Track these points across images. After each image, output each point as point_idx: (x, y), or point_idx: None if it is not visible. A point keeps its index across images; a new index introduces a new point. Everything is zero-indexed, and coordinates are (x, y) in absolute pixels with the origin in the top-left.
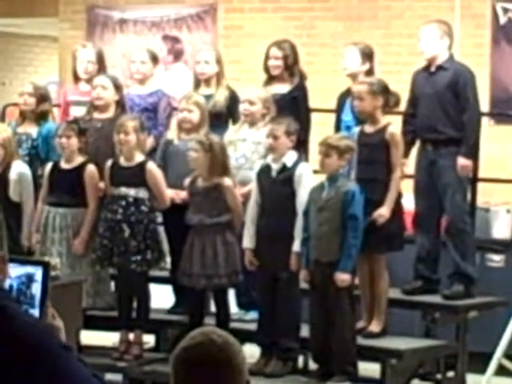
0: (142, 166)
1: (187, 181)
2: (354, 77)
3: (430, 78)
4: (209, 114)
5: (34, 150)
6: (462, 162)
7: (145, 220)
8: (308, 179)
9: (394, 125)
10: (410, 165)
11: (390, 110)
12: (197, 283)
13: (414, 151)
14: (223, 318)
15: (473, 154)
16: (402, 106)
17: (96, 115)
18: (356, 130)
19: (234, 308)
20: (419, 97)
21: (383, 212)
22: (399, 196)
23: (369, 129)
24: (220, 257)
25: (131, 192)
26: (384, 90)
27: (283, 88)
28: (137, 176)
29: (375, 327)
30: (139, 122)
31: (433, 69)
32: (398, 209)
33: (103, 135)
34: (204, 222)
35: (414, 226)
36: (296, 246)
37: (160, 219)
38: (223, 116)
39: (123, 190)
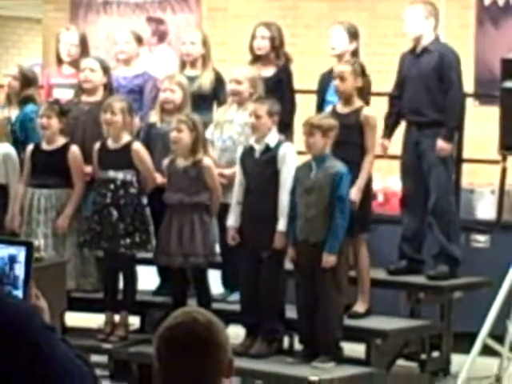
0: (128, 147)
1: (166, 161)
2: (340, 57)
3: (416, 60)
4: (194, 96)
5: (13, 135)
6: (441, 144)
7: (134, 202)
8: (291, 159)
9: (369, 107)
10: (395, 145)
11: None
12: (174, 262)
13: (400, 132)
14: (204, 298)
15: (452, 136)
16: (390, 88)
17: (84, 98)
18: (328, 109)
19: (219, 288)
20: (405, 79)
21: (353, 196)
22: (370, 179)
23: (343, 109)
24: (197, 236)
25: (119, 175)
26: (363, 72)
27: (268, 71)
28: (124, 158)
29: (360, 307)
30: (127, 104)
31: (418, 51)
32: (368, 191)
33: (91, 118)
34: (183, 201)
35: (401, 206)
36: (281, 226)
37: (146, 201)
38: (208, 98)
39: (111, 173)
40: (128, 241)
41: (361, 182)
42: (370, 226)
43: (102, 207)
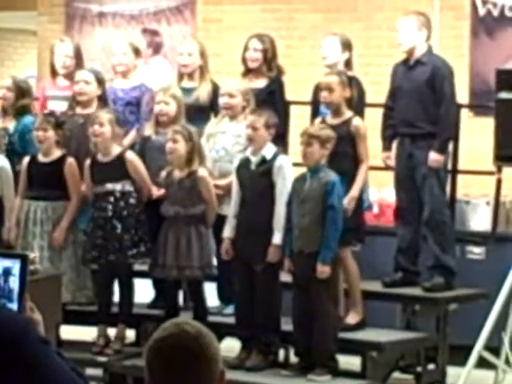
0: (121, 158)
1: (163, 173)
2: (332, 67)
3: (409, 72)
4: (191, 108)
5: (10, 146)
6: (433, 156)
7: (135, 212)
8: (287, 171)
9: (357, 117)
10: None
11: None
12: (169, 274)
13: (393, 144)
14: (200, 311)
15: (445, 148)
16: (378, 99)
17: (79, 110)
18: (317, 120)
19: (215, 301)
20: (398, 91)
21: (345, 204)
22: (362, 189)
23: (333, 121)
24: (194, 249)
25: (117, 187)
26: (349, 83)
27: (260, 83)
28: (118, 169)
29: (351, 319)
30: (115, 116)
31: (411, 62)
32: (360, 202)
33: (85, 131)
34: (179, 214)
35: (395, 218)
36: (276, 239)
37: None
38: (206, 110)
39: (109, 186)
40: (135, 251)
41: (354, 191)
42: (363, 236)
43: (105, 221)
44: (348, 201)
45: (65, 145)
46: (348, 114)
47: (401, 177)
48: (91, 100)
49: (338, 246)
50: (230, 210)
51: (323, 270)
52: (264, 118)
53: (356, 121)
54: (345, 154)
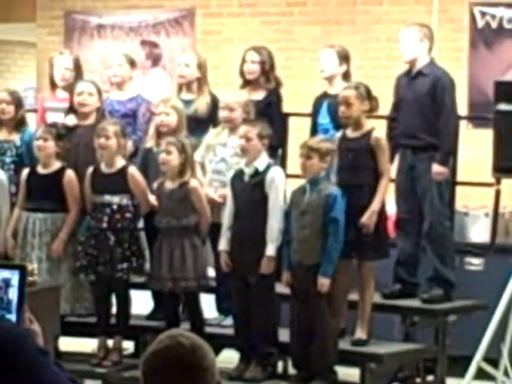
0: (123, 172)
1: (155, 184)
2: (330, 79)
3: (411, 83)
4: (190, 120)
5: (18, 158)
6: (437, 168)
7: (130, 226)
8: (279, 183)
9: (377, 129)
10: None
11: (371, 114)
12: (164, 286)
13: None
14: (197, 323)
15: (448, 160)
16: (384, 111)
17: (78, 121)
18: (337, 135)
19: (213, 313)
20: (400, 102)
21: (366, 219)
22: (383, 204)
23: (352, 134)
24: (188, 260)
25: (115, 199)
26: (368, 94)
27: (258, 95)
28: (119, 182)
29: (362, 334)
30: (120, 127)
31: (413, 74)
32: (383, 215)
33: (84, 142)
34: (171, 224)
35: (396, 229)
36: (269, 250)
37: (141, 224)
38: (204, 122)
39: (107, 197)
40: (125, 265)
41: (375, 204)
42: (386, 251)
43: (99, 232)
44: (368, 216)
45: (65, 157)
46: (368, 126)
47: (402, 188)
48: (92, 111)
49: (338, 259)
50: (224, 221)
51: (324, 283)
52: (257, 129)
53: (376, 133)
54: (365, 166)
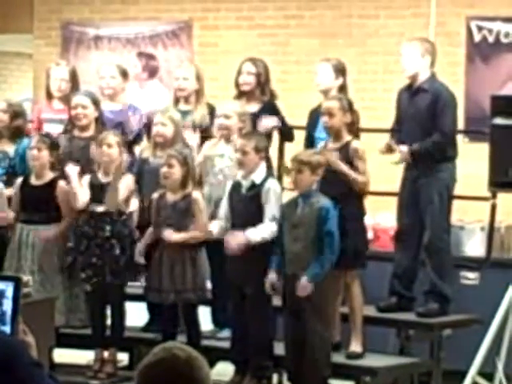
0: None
1: (155, 195)
2: (326, 92)
3: (412, 98)
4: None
5: (11, 169)
6: (409, 148)
7: (132, 234)
8: (275, 194)
9: (357, 140)
10: (385, 183)
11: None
12: (166, 298)
13: (389, 169)
14: (194, 336)
15: (417, 155)
16: (382, 124)
17: (77, 134)
18: (319, 145)
19: (209, 325)
20: (402, 116)
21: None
22: (363, 214)
23: (332, 145)
24: (188, 272)
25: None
26: (350, 107)
27: (253, 107)
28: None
29: (356, 346)
30: (121, 139)
31: (414, 89)
32: (362, 226)
33: (85, 154)
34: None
35: (395, 242)
36: (250, 233)
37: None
38: (201, 132)
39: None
40: (129, 273)
41: (344, 168)
42: (364, 261)
43: (102, 240)
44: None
45: (59, 167)
46: (347, 138)
47: (405, 202)
48: (89, 123)
49: (329, 270)
50: (221, 230)
51: (306, 286)
52: (253, 142)
53: (355, 143)
54: (343, 178)
